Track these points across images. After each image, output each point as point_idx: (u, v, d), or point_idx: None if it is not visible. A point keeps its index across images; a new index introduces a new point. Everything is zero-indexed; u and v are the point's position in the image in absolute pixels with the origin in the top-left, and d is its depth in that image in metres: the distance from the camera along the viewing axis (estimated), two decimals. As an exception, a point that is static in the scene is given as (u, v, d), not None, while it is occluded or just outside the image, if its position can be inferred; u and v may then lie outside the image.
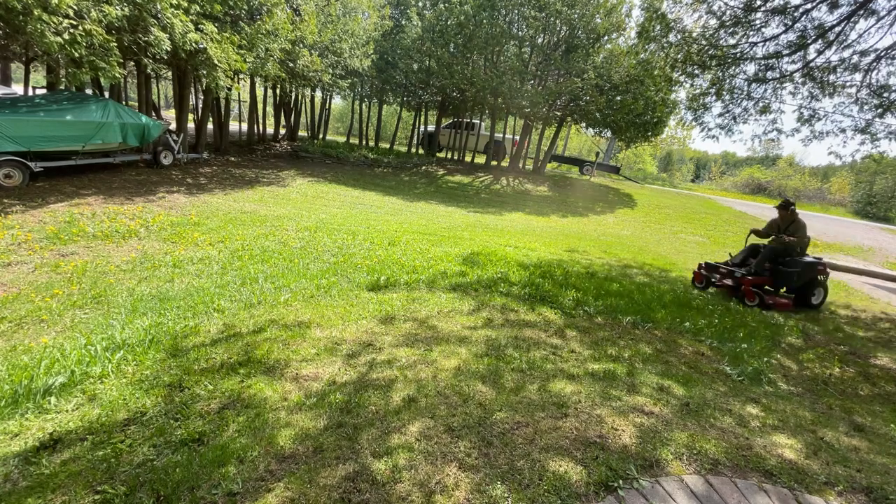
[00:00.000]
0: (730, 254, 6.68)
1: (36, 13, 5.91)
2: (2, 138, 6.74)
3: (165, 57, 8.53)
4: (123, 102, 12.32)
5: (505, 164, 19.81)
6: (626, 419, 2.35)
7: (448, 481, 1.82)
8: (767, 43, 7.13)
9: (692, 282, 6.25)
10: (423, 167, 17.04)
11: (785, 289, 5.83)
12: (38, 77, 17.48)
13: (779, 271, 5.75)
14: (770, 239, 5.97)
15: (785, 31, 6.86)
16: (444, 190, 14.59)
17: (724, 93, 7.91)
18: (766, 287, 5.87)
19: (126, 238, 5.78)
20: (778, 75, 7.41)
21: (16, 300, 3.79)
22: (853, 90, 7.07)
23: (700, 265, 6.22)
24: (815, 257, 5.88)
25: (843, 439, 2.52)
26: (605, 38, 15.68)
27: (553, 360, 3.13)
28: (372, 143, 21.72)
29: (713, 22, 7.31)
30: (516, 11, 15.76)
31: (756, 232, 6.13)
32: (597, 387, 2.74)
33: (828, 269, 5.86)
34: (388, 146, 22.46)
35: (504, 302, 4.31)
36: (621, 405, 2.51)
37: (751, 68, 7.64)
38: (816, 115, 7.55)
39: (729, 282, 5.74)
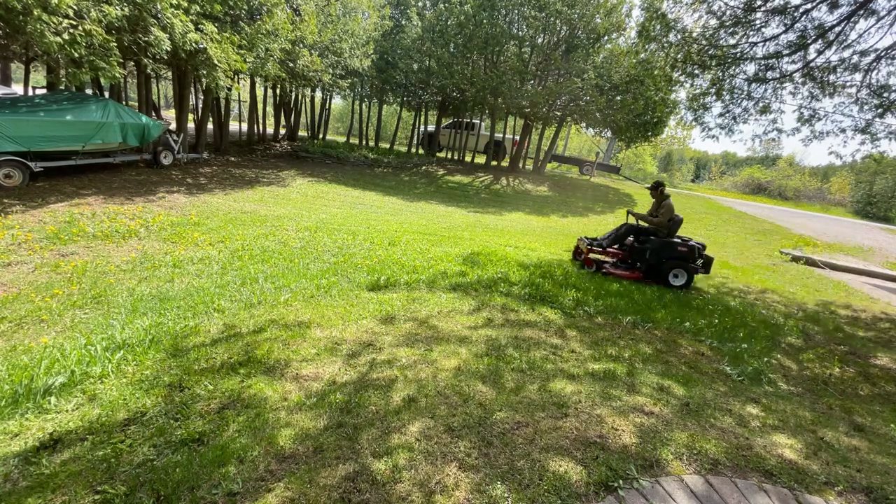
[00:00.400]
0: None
1: (36, 13, 5.91)
2: (2, 138, 6.74)
3: (165, 57, 8.52)
4: (123, 102, 12.32)
5: (505, 164, 19.81)
6: (627, 419, 2.35)
7: (448, 481, 1.82)
8: (767, 43, 7.13)
9: (573, 256, 6.72)
10: (423, 167, 17.04)
11: (639, 265, 6.16)
12: (38, 77, 17.48)
13: (634, 248, 6.18)
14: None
15: (785, 31, 6.86)
16: (444, 190, 14.59)
17: (725, 93, 7.91)
18: (624, 262, 6.33)
19: (126, 238, 5.78)
20: (778, 75, 7.41)
21: (16, 300, 3.79)
22: (853, 90, 7.07)
23: (579, 239, 6.63)
24: (682, 239, 6.08)
25: (843, 439, 2.52)
26: (606, 37, 15.68)
27: (553, 359, 3.13)
28: (372, 143, 21.73)
29: (713, 22, 7.32)
30: (516, 11, 15.76)
31: (631, 212, 6.48)
32: (597, 387, 2.74)
33: (700, 254, 5.96)
34: (388, 146, 22.46)
35: (504, 302, 4.31)
36: (621, 405, 2.51)
37: (751, 68, 7.65)
38: (816, 115, 7.55)
39: (595, 255, 6.31)
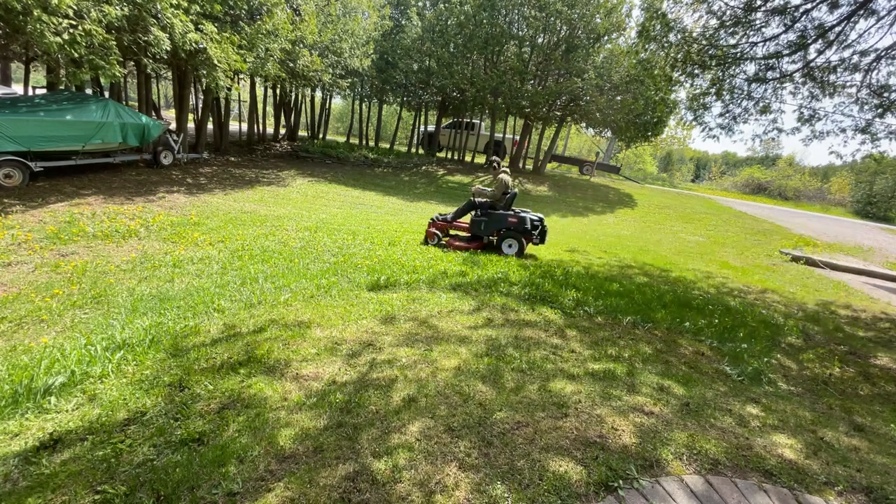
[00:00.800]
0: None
1: (36, 13, 5.91)
2: (2, 138, 6.75)
3: (165, 57, 8.53)
4: (123, 102, 12.32)
5: (505, 163, 19.81)
6: (627, 419, 2.35)
7: (448, 481, 1.82)
8: (767, 43, 7.12)
9: (425, 239, 6.92)
10: (423, 167, 17.04)
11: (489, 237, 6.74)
12: (38, 77, 17.47)
13: (472, 220, 6.66)
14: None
15: (785, 31, 6.85)
16: (445, 190, 14.59)
17: (725, 92, 7.91)
18: (466, 234, 6.91)
19: (126, 238, 5.78)
20: (778, 75, 7.40)
21: (16, 300, 3.79)
22: (853, 90, 7.06)
23: (432, 221, 7.00)
24: (516, 211, 6.57)
25: (843, 439, 2.52)
26: (606, 37, 15.68)
27: (553, 359, 3.13)
28: (372, 143, 21.73)
29: (713, 22, 7.31)
30: (516, 11, 15.75)
31: (472, 187, 7.14)
32: (597, 387, 2.74)
33: (534, 225, 6.50)
34: (388, 146, 22.46)
35: (504, 302, 4.31)
36: (621, 405, 2.51)
37: (751, 68, 7.64)
38: (817, 115, 7.54)
39: (433, 229, 6.84)
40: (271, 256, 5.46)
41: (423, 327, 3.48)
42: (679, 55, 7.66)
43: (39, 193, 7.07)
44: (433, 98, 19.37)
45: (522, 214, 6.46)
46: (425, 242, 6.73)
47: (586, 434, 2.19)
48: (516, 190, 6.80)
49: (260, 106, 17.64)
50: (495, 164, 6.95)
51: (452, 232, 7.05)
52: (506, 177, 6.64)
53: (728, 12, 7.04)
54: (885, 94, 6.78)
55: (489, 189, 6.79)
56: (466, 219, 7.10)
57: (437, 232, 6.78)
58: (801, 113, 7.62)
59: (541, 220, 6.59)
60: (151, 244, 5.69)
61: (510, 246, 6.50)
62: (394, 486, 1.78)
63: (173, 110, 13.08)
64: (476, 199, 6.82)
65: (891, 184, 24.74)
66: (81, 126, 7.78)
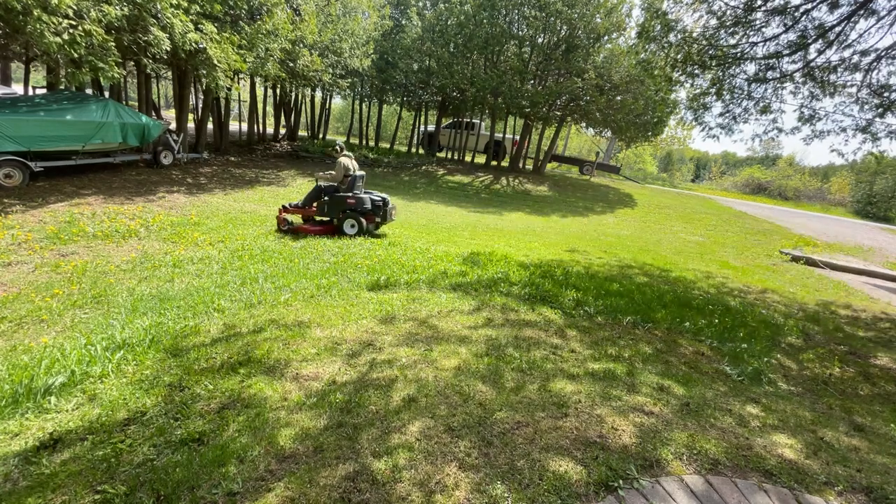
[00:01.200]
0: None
1: (35, 13, 5.91)
2: (2, 138, 6.75)
3: (165, 57, 8.52)
4: (123, 102, 12.32)
5: (505, 164, 19.81)
6: (627, 419, 2.35)
7: (448, 481, 1.82)
8: (768, 43, 7.12)
9: (277, 226, 7.04)
10: (423, 167, 17.04)
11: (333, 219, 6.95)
12: (38, 77, 17.48)
13: (317, 204, 6.96)
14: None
15: (785, 31, 6.85)
16: (444, 190, 14.59)
17: (725, 92, 7.90)
18: (318, 218, 7.10)
19: (126, 238, 5.78)
20: (778, 75, 7.40)
21: (16, 300, 3.79)
22: (854, 90, 7.06)
23: (281, 208, 7.17)
24: (356, 193, 6.81)
25: (843, 439, 2.52)
26: (606, 37, 15.67)
27: (553, 359, 3.13)
28: (372, 143, 21.72)
29: (713, 22, 7.31)
30: (516, 11, 15.75)
31: (316, 175, 7.24)
32: (597, 386, 2.74)
33: (376, 206, 6.86)
34: (388, 146, 22.46)
35: (504, 302, 4.31)
36: (621, 405, 2.51)
37: (751, 68, 7.64)
38: (817, 115, 7.54)
39: (284, 215, 7.01)
40: (271, 256, 5.46)
41: (423, 327, 3.48)
42: (679, 55, 7.66)
43: (39, 193, 7.07)
44: (433, 98, 19.37)
45: (361, 195, 6.77)
46: (278, 229, 6.94)
47: (586, 434, 2.19)
48: (361, 172, 7.16)
49: (260, 106, 17.64)
50: (337, 147, 7.20)
51: (318, 218, 7.24)
52: (346, 160, 6.93)
53: (728, 12, 7.04)
54: (886, 94, 6.78)
55: (330, 173, 6.99)
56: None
57: (288, 217, 7.09)
58: (802, 112, 7.62)
59: (384, 200, 6.96)
60: (151, 244, 5.69)
61: (352, 226, 6.81)
62: (394, 486, 1.78)
63: (173, 110, 13.08)
64: (320, 184, 7.08)
65: (891, 184, 24.74)
66: (81, 126, 7.78)
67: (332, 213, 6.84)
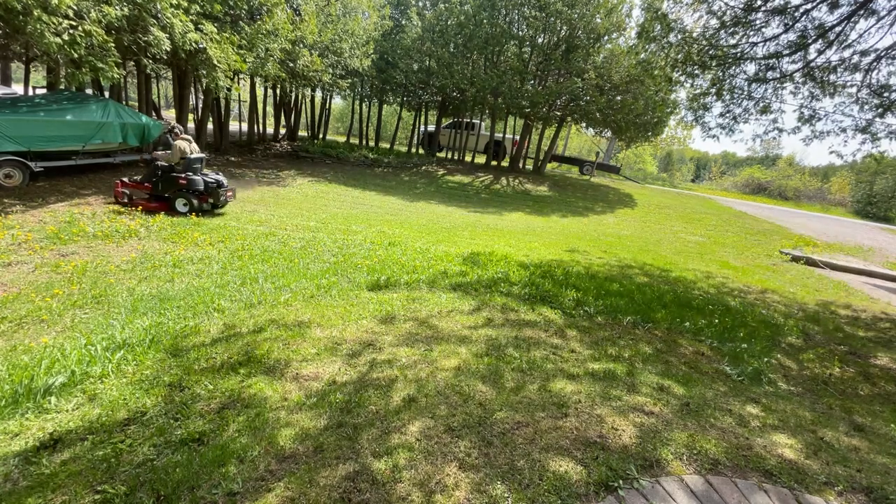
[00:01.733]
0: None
1: (36, 14, 5.91)
2: (2, 138, 6.74)
3: (165, 57, 8.52)
4: (123, 102, 12.32)
5: (505, 164, 19.81)
6: (627, 419, 2.35)
7: (448, 481, 1.82)
8: (768, 43, 7.12)
9: (115, 199, 7.26)
10: (423, 167, 17.04)
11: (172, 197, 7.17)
12: (38, 77, 17.48)
13: (152, 182, 7.20)
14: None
15: (785, 31, 6.85)
16: (445, 190, 14.59)
17: (725, 93, 7.90)
18: (154, 196, 7.26)
19: (126, 238, 5.78)
20: (778, 75, 7.40)
21: (16, 300, 3.79)
22: (853, 90, 7.06)
23: (118, 182, 7.30)
24: (189, 174, 7.10)
25: (843, 439, 2.52)
26: (606, 37, 15.67)
27: (553, 359, 3.13)
28: (372, 143, 21.72)
29: (713, 22, 7.31)
30: (516, 11, 15.75)
31: (155, 154, 7.50)
32: (597, 386, 2.74)
33: (203, 187, 7.19)
34: (388, 146, 22.46)
35: (504, 302, 4.31)
36: (621, 405, 2.51)
37: (751, 68, 7.64)
38: (817, 115, 7.54)
39: (121, 189, 7.18)
40: (271, 256, 5.46)
41: (423, 327, 3.48)
42: (679, 55, 7.66)
43: (39, 193, 7.07)
44: (433, 98, 19.37)
45: (194, 177, 7.11)
46: (116, 202, 7.21)
47: (586, 434, 2.19)
48: (201, 155, 7.51)
49: (260, 106, 17.64)
50: (176, 130, 7.38)
51: (122, 189, 7.38)
52: (183, 143, 7.20)
53: (728, 12, 7.04)
54: (886, 94, 6.78)
55: (167, 152, 7.27)
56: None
57: (126, 191, 7.24)
58: (802, 113, 7.62)
59: (218, 182, 7.34)
60: (151, 244, 5.69)
61: (184, 205, 7.15)
62: (394, 486, 1.78)
63: (173, 110, 13.07)
64: (158, 164, 7.26)
65: (891, 184, 24.74)
66: (82, 126, 7.78)
67: (165, 191, 7.16)
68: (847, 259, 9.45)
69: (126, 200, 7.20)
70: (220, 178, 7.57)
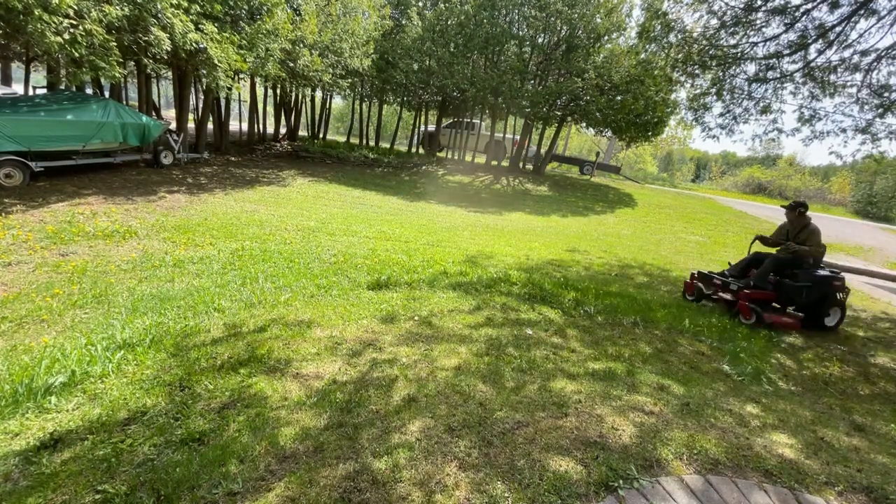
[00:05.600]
0: (729, 262, 5.83)
1: (36, 13, 5.91)
2: (2, 138, 6.75)
3: (166, 57, 8.52)
4: (124, 102, 12.32)
5: (505, 163, 19.80)
6: (627, 418, 2.35)
7: (448, 480, 1.82)
8: (768, 43, 7.12)
9: (683, 294, 5.62)
10: (424, 167, 17.03)
11: (793, 307, 5.17)
12: (39, 77, 17.47)
13: (784, 285, 4.99)
14: (778, 248, 5.28)
15: (785, 31, 6.85)
16: (445, 190, 14.59)
17: (725, 93, 7.91)
18: (773, 304, 5.18)
19: (126, 238, 5.78)
20: (778, 75, 7.40)
21: (16, 300, 3.80)
22: (854, 90, 7.06)
23: (692, 274, 5.55)
24: (831, 271, 5.08)
25: (843, 439, 2.52)
26: (606, 37, 15.66)
27: (553, 359, 3.13)
28: (372, 143, 21.71)
29: (714, 22, 7.31)
30: (516, 11, 15.74)
31: (762, 238, 5.38)
32: (597, 386, 2.74)
33: (846, 286, 5.06)
34: (388, 146, 22.45)
35: (504, 301, 4.31)
36: (621, 404, 2.51)
37: (751, 68, 7.64)
38: (817, 115, 7.54)
39: (727, 295, 5.15)
40: (271, 256, 5.46)
41: (424, 327, 3.48)
42: (679, 55, 7.67)
43: (40, 193, 7.07)
44: (433, 98, 19.35)
45: (842, 273, 5.13)
46: (740, 319, 4.96)
47: (586, 434, 2.19)
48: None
49: (260, 106, 17.63)
50: (802, 209, 5.21)
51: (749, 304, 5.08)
52: (818, 227, 5.16)
53: (728, 12, 7.05)
54: (886, 94, 6.78)
55: (798, 247, 5.17)
56: None
57: (758, 309, 4.98)
58: (802, 113, 7.62)
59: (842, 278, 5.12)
60: (151, 244, 5.69)
61: (830, 316, 5.04)
62: (394, 486, 1.78)
63: (173, 110, 13.08)
64: (776, 254, 5.28)
65: (891, 184, 24.73)
66: (82, 126, 7.78)
67: (808, 299, 4.93)
68: (847, 259, 9.45)
69: (754, 319, 4.82)
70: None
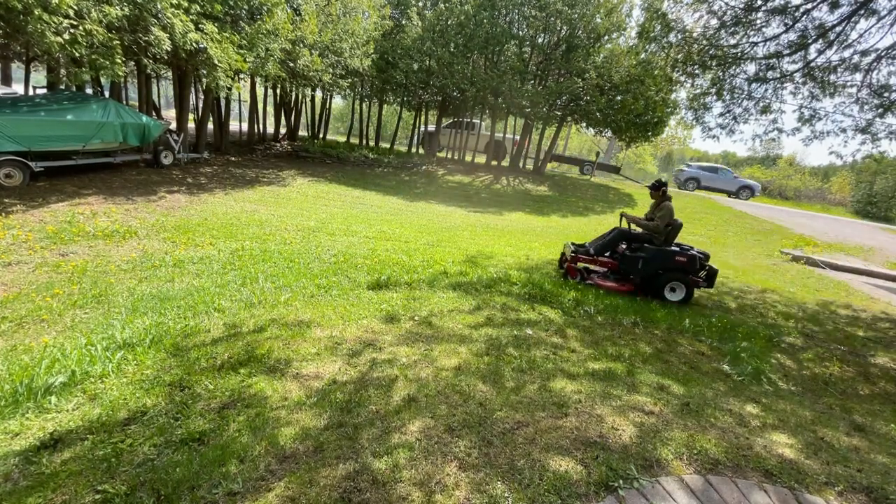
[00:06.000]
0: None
1: (36, 13, 5.91)
2: (2, 138, 6.74)
3: (166, 57, 8.52)
4: (124, 102, 12.32)
5: (505, 163, 19.80)
6: (627, 418, 2.35)
7: (448, 480, 1.82)
8: (768, 43, 7.12)
9: (559, 264, 5.92)
10: (423, 167, 17.03)
11: (632, 277, 5.43)
12: (39, 77, 17.47)
13: (624, 256, 5.44)
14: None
15: (785, 31, 6.85)
16: (445, 190, 14.59)
17: (725, 93, 7.90)
18: (616, 272, 5.58)
19: (126, 238, 5.78)
20: (778, 75, 7.40)
21: (16, 300, 3.80)
22: (854, 90, 7.06)
23: (574, 248, 5.81)
24: (681, 248, 5.37)
25: (843, 439, 2.52)
26: (606, 37, 15.66)
27: (553, 359, 3.13)
28: (372, 143, 21.71)
29: (714, 22, 7.31)
30: (516, 11, 15.74)
31: (625, 214, 5.78)
32: (597, 386, 2.74)
33: (703, 264, 5.29)
34: (388, 146, 22.44)
35: (504, 301, 4.31)
36: (621, 404, 2.51)
37: (751, 68, 7.64)
38: (817, 115, 7.54)
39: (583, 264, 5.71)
40: (271, 256, 5.46)
41: (424, 326, 3.48)
42: (679, 55, 7.67)
43: (40, 193, 7.07)
44: (433, 98, 19.35)
45: (693, 252, 5.30)
46: (565, 276, 5.63)
47: (586, 434, 2.19)
48: (681, 220, 5.51)
49: (260, 106, 17.63)
50: (664, 188, 5.61)
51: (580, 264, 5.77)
52: (671, 204, 5.53)
53: (728, 12, 7.05)
54: (886, 94, 6.78)
55: (651, 221, 5.57)
56: None
57: (589, 269, 5.82)
58: (802, 113, 7.62)
59: (707, 257, 5.42)
60: (151, 244, 5.69)
61: (673, 290, 5.35)
62: (394, 486, 1.78)
63: (173, 110, 13.08)
64: (621, 230, 5.78)
65: (891, 183, 24.73)
66: (82, 126, 7.78)
67: (644, 270, 5.30)
68: (847, 259, 9.45)
69: (579, 278, 5.49)
70: (697, 250, 5.46)
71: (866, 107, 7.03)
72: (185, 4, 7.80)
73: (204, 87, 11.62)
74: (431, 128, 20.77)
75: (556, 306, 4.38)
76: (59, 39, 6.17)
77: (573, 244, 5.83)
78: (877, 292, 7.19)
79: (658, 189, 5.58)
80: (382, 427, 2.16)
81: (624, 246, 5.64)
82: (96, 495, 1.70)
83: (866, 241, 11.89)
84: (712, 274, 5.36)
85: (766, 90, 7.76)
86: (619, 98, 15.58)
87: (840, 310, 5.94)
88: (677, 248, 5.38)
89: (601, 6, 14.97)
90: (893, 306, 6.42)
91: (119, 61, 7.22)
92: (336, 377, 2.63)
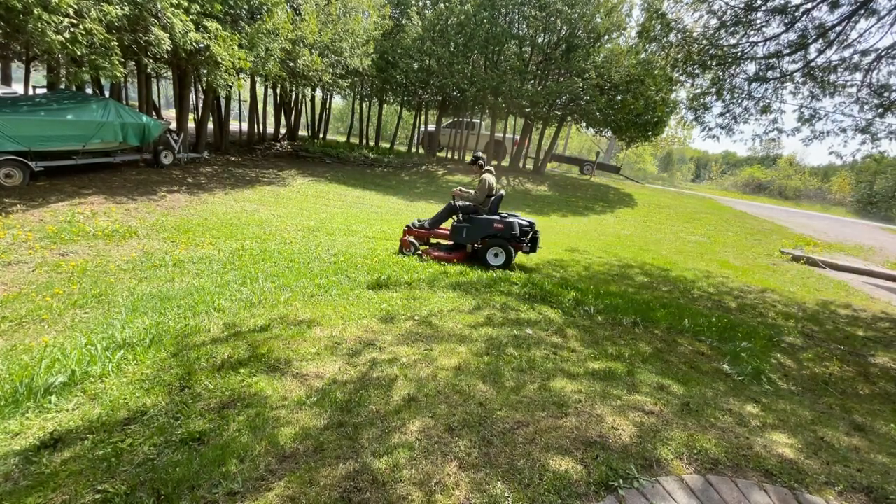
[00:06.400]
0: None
1: (36, 12, 5.91)
2: (2, 138, 6.75)
3: (166, 57, 8.52)
4: (124, 102, 12.32)
5: (505, 163, 19.80)
6: (627, 418, 2.35)
7: (448, 480, 1.82)
8: (768, 42, 7.12)
9: (400, 250, 6.08)
10: (424, 167, 17.03)
11: (461, 245, 5.95)
12: (39, 77, 17.46)
13: (453, 227, 5.83)
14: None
15: (785, 31, 6.85)
16: (445, 189, 14.59)
17: (725, 92, 7.90)
18: (445, 242, 6.11)
19: (126, 237, 5.79)
20: (778, 75, 7.40)
21: (16, 299, 3.80)
22: (854, 90, 7.06)
23: (408, 225, 6.23)
24: (502, 216, 5.73)
25: (843, 439, 2.52)
26: (606, 37, 15.66)
27: (553, 359, 3.13)
28: (372, 143, 21.70)
29: (714, 21, 7.31)
30: (517, 11, 15.74)
31: (454, 191, 6.25)
32: (597, 386, 2.74)
33: (525, 231, 5.67)
34: (388, 146, 22.44)
35: (504, 301, 4.31)
36: (621, 404, 2.51)
37: (751, 68, 7.64)
38: (817, 115, 7.54)
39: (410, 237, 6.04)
40: (271, 256, 5.46)
41: (424, 326, 3.48)
42: (679, 55, 7.67)
43: (40, 193, 7.07)
44: (433, 98, 19.34)
45: (511, 220, 5.70)
46: (400, 251, 6.01)
47: (586, 433, 2.19)
48: (504, 192, 6.27)
49: (260, 106, 17.63)
50: (479, 161, 6.23)
51: (409, 238, 6.17)
52: (489, 176, 5.98)
53: (728, 12, 7.04)
54: (886, 94, 6.78)
55: (465, 191, 6.25)
56: None
57: (413, 240, 6.03)
58: (802, 113, 7.62)
59: (531, 223, 5.80)
60: (151, 244, 5.69)
61: (496, 255, 5.74)
62: (394, 486, 1.78)
63: (173, 110, 13.08)
64: (456, 204, 6.12)
65: (891, 183, 24.74)
66: (82, 126, 7.78)
67: (468, 238, 5.83)
68: (848, 259, 9.45)
69: (412, 251, 5.85)
70: (522, 218, 5.92)
71: (866, 107, 7.03)
72: (185, 4, 7.80)
73: (204, 86, 11.62)
74: (431, 127, 20.77)
75: (555, 306, 4.38)
76: (59, 38, 6.17)
77: (417, 220, 6.31)
78: (877, 292, 7.19)
79: (475, 163, 6.17)
80: (382, 427, 2.16)
81: (457, 219, 6.02)
82: (96, 495, 1.70)
83: (866, 241, 11.89)
84: (535, 239, 5.75)
85: (766, 90, 7.76)
86: (619, 98, 15.59)
87: (840, 309, 5.94)
88: (497, 217, 5.74)
89: (601, 6, 14.96)
90: (893, 306, 6.42)
91: (117, 62, 7.22)
92: (336, 377, 2.63)
